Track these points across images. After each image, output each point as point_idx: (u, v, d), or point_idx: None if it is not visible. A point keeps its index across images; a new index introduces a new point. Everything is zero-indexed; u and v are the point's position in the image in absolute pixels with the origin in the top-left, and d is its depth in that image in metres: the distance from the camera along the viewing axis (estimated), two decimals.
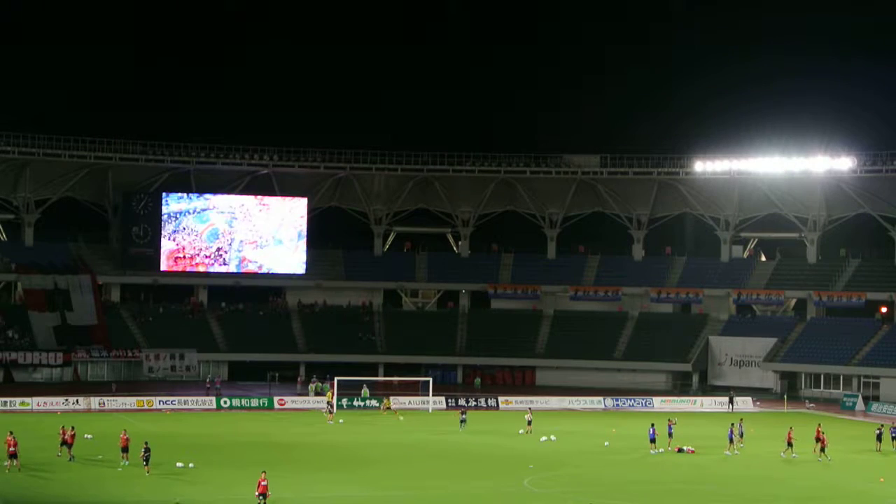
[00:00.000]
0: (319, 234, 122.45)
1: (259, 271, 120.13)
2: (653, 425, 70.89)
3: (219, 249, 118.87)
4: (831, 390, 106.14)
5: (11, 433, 59.90)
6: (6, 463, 58.73)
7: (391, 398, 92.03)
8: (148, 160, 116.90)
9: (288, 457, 65.49)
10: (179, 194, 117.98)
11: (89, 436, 69.67)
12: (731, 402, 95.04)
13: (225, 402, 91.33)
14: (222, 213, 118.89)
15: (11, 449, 59.03)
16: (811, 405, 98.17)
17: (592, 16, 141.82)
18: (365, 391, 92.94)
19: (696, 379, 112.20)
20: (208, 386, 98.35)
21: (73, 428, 63.43)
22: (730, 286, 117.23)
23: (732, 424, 71.31)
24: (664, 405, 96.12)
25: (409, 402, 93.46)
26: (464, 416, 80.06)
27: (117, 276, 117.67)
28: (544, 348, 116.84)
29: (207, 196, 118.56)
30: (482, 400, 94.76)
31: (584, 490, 57.80)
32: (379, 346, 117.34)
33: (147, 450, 58.58)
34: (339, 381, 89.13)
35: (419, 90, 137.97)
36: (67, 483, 56.59)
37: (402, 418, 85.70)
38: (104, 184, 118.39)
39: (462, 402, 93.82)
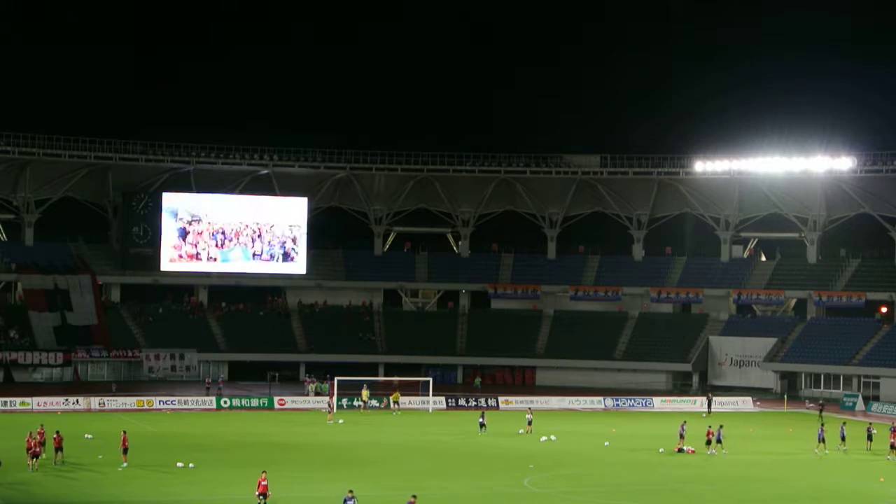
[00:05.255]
0: (319, 234, 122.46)
1: (259, 271, 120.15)
2: (684, 422, 71.97)
3: (218, 249, 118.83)
4: (831, 390, 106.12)
5: (31, 434, 59.95)
6: (30, 462, 59.01)
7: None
8: (148, 160, 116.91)
9: (288, 457, 65.50)
10: (180, 194, 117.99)
11: (89, 436, 69.77)
12: (708, 403, 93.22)
13: (225, 402, 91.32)
14: (222, 213, 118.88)
15: (37, 448, 59.16)
16: (811, 405, 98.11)
17: (592, 16, 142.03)
18: (365, 391, 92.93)
19: (696, 379, 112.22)
20: (208, 386, 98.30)
21: (57, 432, 62.00)
22: (730, 286, 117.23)
23: (823, 424, 71.67)
24: (664, 405, 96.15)
25: (410, 402, 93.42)
26: (482, 419, 78.27)
27: (117, 276, 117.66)
28: (544, 348, 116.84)
29: (207, 196, 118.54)
30: (482, 400, 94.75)
31: (584, 490, 57.86)
32: (379, 346, 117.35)
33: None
34: (339, 381, 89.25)
35: (419, 90, 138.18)
36: (68, 483, 56.55)
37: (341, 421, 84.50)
38: (104, 184, 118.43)
39: (463, 401, 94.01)
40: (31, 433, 60.31)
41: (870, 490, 58.80)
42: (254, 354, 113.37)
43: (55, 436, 61.40)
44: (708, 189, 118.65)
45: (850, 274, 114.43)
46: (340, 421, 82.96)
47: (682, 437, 70.44)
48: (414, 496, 45.43)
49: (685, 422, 73.07)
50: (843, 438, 71.34)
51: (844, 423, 73.87)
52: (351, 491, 47.13)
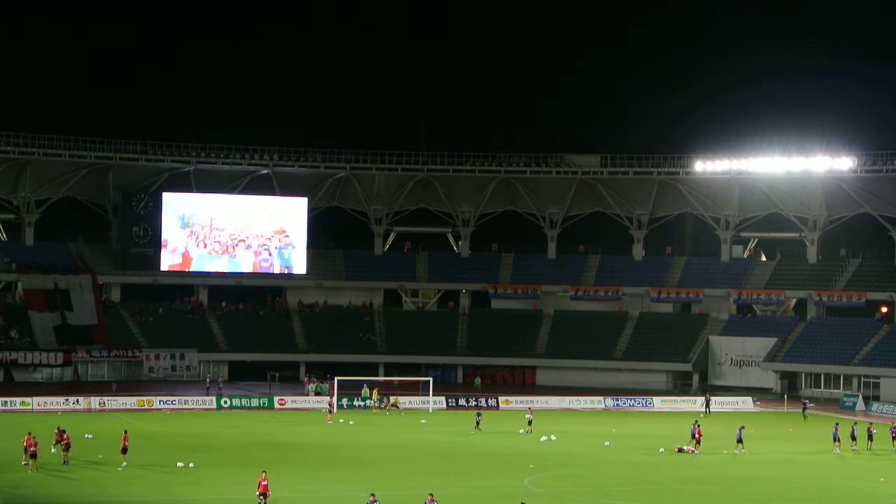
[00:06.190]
0: (319, 234, 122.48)
1: (259, 271, 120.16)
2: (695, 423, 72.05)
3: (218, 248, 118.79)
4: (831, 390, 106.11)
5: (30, 434, 60.16)
6: (25, 462, 59.09)
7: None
8: (148, 160, 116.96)
9: (288, 457, 65.51)
10: (179, 194, 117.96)
11: (89, 436, 69.75)
12: (707, 404, 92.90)
13: (225, 402, 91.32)
14: (222, 212, 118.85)
15: (32, 449, 59.21)
16: (811, 405, 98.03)
17: (593, 15, 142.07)
18: (365, 391, 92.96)
19: (697, 379, 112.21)
20: (208, 386, 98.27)
21: (64, 432, 62.54)
22: (730, 286, 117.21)
23: (837, 424, 71.83)
24: (664, 405, 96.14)
25: (410, 402, 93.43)
26: (479, 417, 79.27)
27: (117, 276, 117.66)
28: (544, 348, 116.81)
29: (207, 196, 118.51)
30: (482, 400, 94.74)
31: (584, 490, 57.85)
32: (379, 346, 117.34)
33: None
34: (339, 380, 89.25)
35: (418, 90, 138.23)
36: (67, 483, 56.58)
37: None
38: (104, 184, 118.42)
39: (463, 401, 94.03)
40: (29, 433, 60.37)
41: (870, 490, 58.83)
42: (254, 354, 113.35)
43: (64, 436, 61.72)
44: (708, 189, 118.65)
45: (850, 274, 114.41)
46: (351, 422, 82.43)
47: (693, 437, 70.26)
48: (431, 495, 45.60)
49: (695, 421, 73.07)
50: (853, 438, 71.43)
51: (856, 423, 73.92)
52: (373, 495, 47.02)
